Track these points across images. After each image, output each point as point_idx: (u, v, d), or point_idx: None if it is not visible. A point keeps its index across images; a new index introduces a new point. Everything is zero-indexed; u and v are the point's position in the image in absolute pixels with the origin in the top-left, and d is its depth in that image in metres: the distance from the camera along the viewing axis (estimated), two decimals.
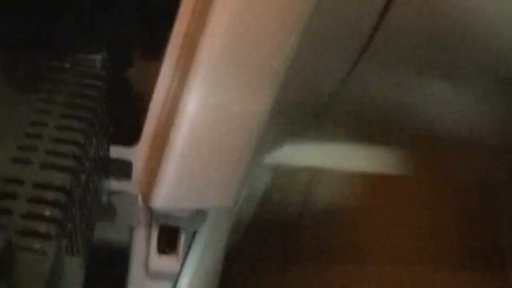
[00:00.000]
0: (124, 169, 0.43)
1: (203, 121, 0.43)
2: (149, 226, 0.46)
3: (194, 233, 0.49)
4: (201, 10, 0.44)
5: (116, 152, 0.43)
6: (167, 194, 0.43)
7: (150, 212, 0.45)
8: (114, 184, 0.43)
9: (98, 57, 0.50)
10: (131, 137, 0.45)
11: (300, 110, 0.68)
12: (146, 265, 0.47)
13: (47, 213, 0.30)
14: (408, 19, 0.55)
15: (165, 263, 0.47)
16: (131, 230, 0.46)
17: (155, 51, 0.48)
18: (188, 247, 0.48)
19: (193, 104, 0.42)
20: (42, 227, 0.30)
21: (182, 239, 0.47)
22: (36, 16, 0.51)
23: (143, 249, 0.46)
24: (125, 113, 0.46)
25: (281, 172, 0.91)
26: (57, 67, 0.40)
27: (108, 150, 0.42)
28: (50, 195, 0.31)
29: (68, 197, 0.31)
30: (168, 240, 0.47)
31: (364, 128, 0.80)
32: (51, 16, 0.52)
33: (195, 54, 0.43)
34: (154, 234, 0.46)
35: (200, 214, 0.47)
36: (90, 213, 0.38)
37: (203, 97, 0.42)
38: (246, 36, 0.44)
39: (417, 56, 0.61)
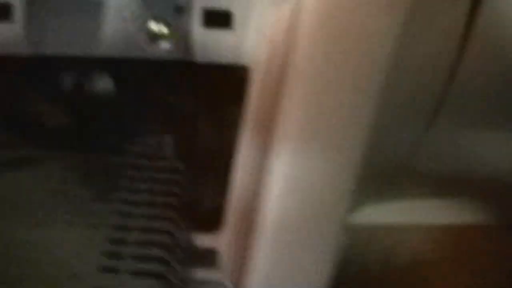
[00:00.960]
0: (209, 257, 0.43)
1: (290, 200, 0.43)
2: None
3: None
4: (277, 80, 0.45)
5: (200, 239, 0.44)
6: (260, 281, 0.43)
7: None
8: (200, 273, 0.43)
9: (167, 139, 0.51)
10: (214, 223, 0.45)
11: (378, 170, 0.68)
12: None
13: None
14: (480, 71, 0.55)
15: None
16: None
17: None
18: None
19: (277, 185, 0.42)
20: None
21: None
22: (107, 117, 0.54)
23: None
24: (205, 199, 0.47)
25: (360, 231, 0.91)
26: (133, 165, 0.41)
27: (191, 238, 0.42)
28: None
29: None
30: None
31: (439, 183, 0.79)
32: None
33: (275, 131, 0.43)
34: None
35: None
36: None
37: (287, 175, 0.43)
38: (325, 106, 0.44)
39: (490, 109, 0.61)
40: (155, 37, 0.52)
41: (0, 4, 0.50)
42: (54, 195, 0.44)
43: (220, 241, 0.44)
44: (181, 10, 0.52)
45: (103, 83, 0.70)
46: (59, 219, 0.41)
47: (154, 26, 0.52)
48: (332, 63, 0.43)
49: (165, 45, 0.52)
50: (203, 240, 0.44)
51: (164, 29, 0.52)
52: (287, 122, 0.43)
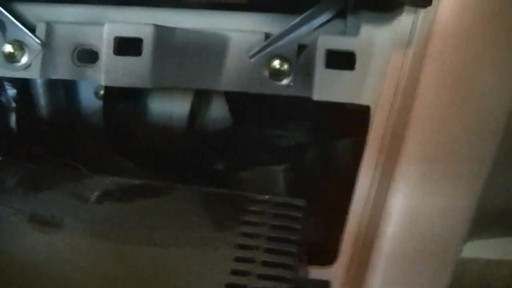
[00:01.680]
0: None
1: (406, 235, 0.45)
2: None
3: None
4: (397, 121, 0.47)
5: (314, 272, 0.46)
6: None
7: None
8: None
9: (280, 168, 0.54)
10: (328, 257, 0.47)
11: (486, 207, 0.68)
12: None
13: None
14: None
15: None
16: None
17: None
18: None
19: (394, 220, 0.44)
20: None
21: None
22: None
23: None
24: (320, 234, 0.49)
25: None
26: (255, 200, 0.43)
27: (306, 271, 0.45)
28: None
29: None
30: None
31: None
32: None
33: (394, 168, 0.45)
34: None
35: None
36: None
37: (404, 211, 0.45)
38: (445, 147, 0.46)
39: None
40: (277, 73, 0.55)
41: (133, 38, 0.55)
42: (176, 221, 0.46)
43: (334, 274, 0.46)
44: (303, 49, 0.55)
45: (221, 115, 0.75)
46: (181, 241, 0.44)
47: (277, 64, 0.55)
48: (453, 107, 0.45)
49: (286, 82, 0.55)
50: (317, 273, 0.46)
51: (286, 67, 0.55)
52: (406, 160, 0.45)
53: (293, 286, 0.38)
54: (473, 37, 0.43)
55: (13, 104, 0.81)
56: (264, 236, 0.41)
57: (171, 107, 0.81)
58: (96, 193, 0.44)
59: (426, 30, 0.45)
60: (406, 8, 0.47)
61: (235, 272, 0.39)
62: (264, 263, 0.39)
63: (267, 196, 0.44)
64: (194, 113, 0.72)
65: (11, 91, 0.79)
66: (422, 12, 0.46)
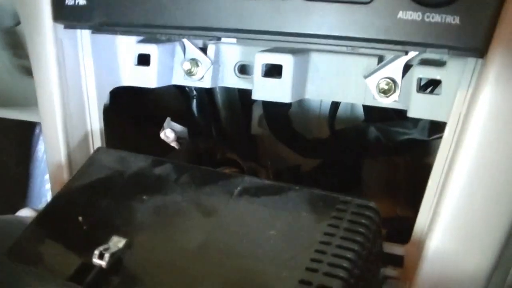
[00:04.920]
0: (397, 262, 0.62)
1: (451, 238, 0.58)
2: None
3: None
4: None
5: (391, 248, 0.62)
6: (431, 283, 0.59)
7: None
8: (389, 272, 0.62)
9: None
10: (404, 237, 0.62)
11: None
12: None
13: None
14: None
15: None
16: None
17: None
18: None
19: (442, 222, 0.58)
20: None
21: None
22: None
23: None
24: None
25: None
26: (342, 200, 0.58)
27: (381, 247, 0.60)
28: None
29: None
30: None
31: None
32: None
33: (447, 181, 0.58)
34: None
35: None
36: None
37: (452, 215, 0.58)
38: (476, 204, 0.57)
39: None
40: (385, 91, 0.70)
41: (275, 65, 0.70)
42: (284, 219, 0.57)
43: (407, 251, 0.60)
44: (407, 70, 0.69)
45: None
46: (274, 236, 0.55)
47: (385, 84, 0.70)
48: (499, 150, 0.56)
49: (392, 98, 0.69)
50: (394, 249, 0.61)
51: (392, 86, 0.69)
52: (458, 172, 0.57)
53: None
54: None
55: (194, 93, 1.01)
56: (343, 227, 0.55)
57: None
58: (239, 189, 0.62)
59: (482, 74, 0.55)
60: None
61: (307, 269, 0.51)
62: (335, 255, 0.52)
63: (350, 198, 0.56)
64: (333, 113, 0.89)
65: None
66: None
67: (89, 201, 0.66)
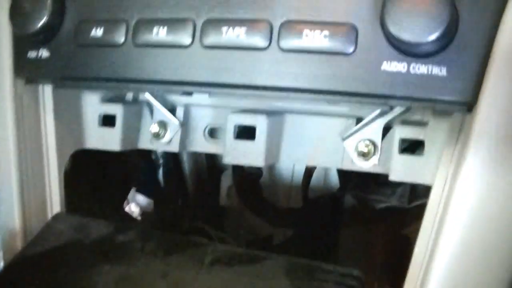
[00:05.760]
0: None
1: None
2: None
3: None
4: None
5: None
6: None
7: None
8: None
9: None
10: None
11: None
12: None
13: None
14: None
15: None
16: None
17: None
18: None
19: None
20: None
21: None
22: None
23: None
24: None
25: None
26: (324, 270, 0.54)
27: None
28: None
29: None
30: None
31: None
32: None
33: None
34: None
35: None
36: None
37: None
38: (469, 276, 0.52)
39: None
40: (364, 154, 0.66)
41: (248, 128, 0.67)
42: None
43: None
44: (387, 132, 0.66)
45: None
46: None
47: (364, 146, 0.66)
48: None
49: (372, 162, 0.66)
50: None
51: (372, 148, 0.66)
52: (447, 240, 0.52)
53: None
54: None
55: (161, 161, 0.97)
56: None
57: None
58: (209, 258, 0.57)
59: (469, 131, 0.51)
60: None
61: None
62: None
63: (332, 267, 0.53)
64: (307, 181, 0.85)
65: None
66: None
67: (44, 272, 0.60)
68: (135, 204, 0.83)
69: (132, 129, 0.77)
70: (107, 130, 0.76)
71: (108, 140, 0.76)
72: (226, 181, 1.01)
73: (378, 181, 0.78)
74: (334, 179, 0.92)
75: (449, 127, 0.57)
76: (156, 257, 0.58)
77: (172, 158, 0.97)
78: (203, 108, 0.76)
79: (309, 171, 0.87)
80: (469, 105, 0.51)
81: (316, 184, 0.93)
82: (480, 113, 0.50)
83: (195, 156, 0.99)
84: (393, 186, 0.76)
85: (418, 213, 0.68)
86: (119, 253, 0.60)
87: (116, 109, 0.75)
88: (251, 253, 0.56)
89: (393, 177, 0.62)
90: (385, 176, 0.64)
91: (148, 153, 0.94)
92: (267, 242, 0.92)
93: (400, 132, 0.63)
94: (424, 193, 0.63)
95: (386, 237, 0.87)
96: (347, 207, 0.80)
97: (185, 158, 0.99)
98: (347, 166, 0.68)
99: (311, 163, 0.71)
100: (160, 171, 0.98)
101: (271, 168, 0.92)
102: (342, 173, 0.85)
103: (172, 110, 0.76)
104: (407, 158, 0.62)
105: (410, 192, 0.73)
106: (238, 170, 0.86)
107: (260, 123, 0.67)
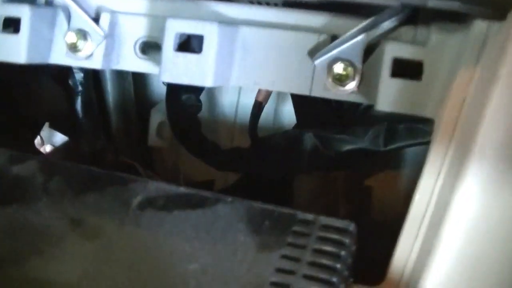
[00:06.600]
0: None
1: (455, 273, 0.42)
2: None
3: None
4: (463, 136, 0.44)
5: None
6: None
7: None
8: None
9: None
10: (374, 276, 0.45)
11: None
12: None
13: None
14: None
15: None
16: None
17: None
18: None
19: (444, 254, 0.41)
20: None
21: None
22: None
23: None
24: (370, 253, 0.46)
25: None
26: (302, 220, 0.41)
27: None
28: None
29: None
30: None
31: None
32: None
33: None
34: None
35: None
36: None
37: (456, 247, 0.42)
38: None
39: None
40: (341, 78, 0.53)
41: (194, 35, 0.54)
42: (218, 238, 0.42)
43: None
44: (370, 54, 0.53)
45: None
46: (220, 260, 0.40)
47: (341, 67, 0.53)
48: None
49: (350, 87, 0.53)
50: None
51: (350, 71, 0.53)
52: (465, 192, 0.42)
53: None
54: None
55: (80, 88, 0.81)
56: (305, 261, 0.37)
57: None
58: (139, 199, 0.42)
59: (500, 45, 0.41)
60: (479, 20, 0.44)
61: None
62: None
63: (313, 216, 0.40)
64: (256, 116, 0.70)
65: (79, 75, 0.79)
66: (496, 25, 0.42)
67: None
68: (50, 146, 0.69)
69: (42, 38, 0.62)
70: (9, 37, 0.61)
71: (10, 50, 0.61)
72: (156, 117, 0.86)
73: (345, 117, 0.65)
74: (288, 115, 0.78)
75: (458, 45, 0.46)
76: (64, 197, 0.43)
77: (94, 86, 0.81)
78: (135, 17, 0.61)
79: (258, 104, 0.71)
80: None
81: (263, 123, 0.78)
82: None
83: (122, 85, 0.83)
84: (366, 124, 0.62)
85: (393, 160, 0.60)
86: (14, 189, 0.45)
87: (21, 11, 0.60)
88: (196, 194, 0.41)
89: (381, 106, 0.51)
90: (353, 111, 0.56)
91: (64, 77, 0.77)
92: (208, 187, 0.77)
93: (392, 50, 0.49)
94: (408, 135, 0.51)
95: (349, 186, 0.74)
96: (305, 148, 0.66)
97: (109, 87, 0.85)
98: (317, 93, 0.55)
99: (272, 88, 0.57)
100: (79, 101, 0.82)
101: (210, 101, 0.77)
102: (299, 105, 0.71)
103: (96, 20, 0.61)
104: (401, 83, 0.50)
105: (388, 132, 0.59)
106: (174, 101, 0.70)
107: (209, 32, 0.53)
